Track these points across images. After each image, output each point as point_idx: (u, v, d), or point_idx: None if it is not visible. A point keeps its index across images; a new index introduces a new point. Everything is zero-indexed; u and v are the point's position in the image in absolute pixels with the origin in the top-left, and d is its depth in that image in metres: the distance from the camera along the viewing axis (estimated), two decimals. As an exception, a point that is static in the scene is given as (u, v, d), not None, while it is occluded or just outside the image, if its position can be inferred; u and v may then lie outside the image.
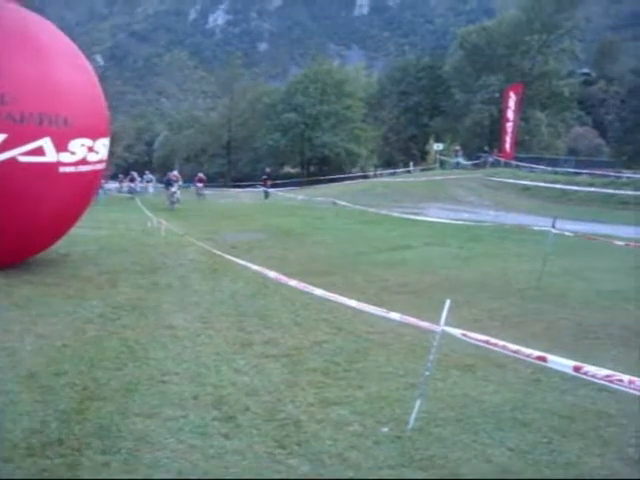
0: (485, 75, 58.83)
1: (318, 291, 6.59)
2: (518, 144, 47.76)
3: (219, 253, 11.93)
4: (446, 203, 27.85)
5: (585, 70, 75.32)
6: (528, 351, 3.88)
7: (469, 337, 4.28)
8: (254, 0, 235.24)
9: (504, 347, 4.02)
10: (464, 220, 19.81)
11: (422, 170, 47.90)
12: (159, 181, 46.31)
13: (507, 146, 38.60)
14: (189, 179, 44.02)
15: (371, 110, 70.19)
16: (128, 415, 4.91)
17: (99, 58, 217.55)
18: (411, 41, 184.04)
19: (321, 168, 64.28)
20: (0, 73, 10.11)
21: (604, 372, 3.53)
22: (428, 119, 67.79)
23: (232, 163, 71.34)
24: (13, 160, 10.21)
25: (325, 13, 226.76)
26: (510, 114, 38.48)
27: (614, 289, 10.02)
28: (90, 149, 11.49)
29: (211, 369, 6.01)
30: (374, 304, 9.18)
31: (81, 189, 11.77)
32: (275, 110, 64.86)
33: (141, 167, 63.55)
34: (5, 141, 10.08)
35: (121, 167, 74.51)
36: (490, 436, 4.58)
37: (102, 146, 12.00)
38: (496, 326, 7.83)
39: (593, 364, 6.15)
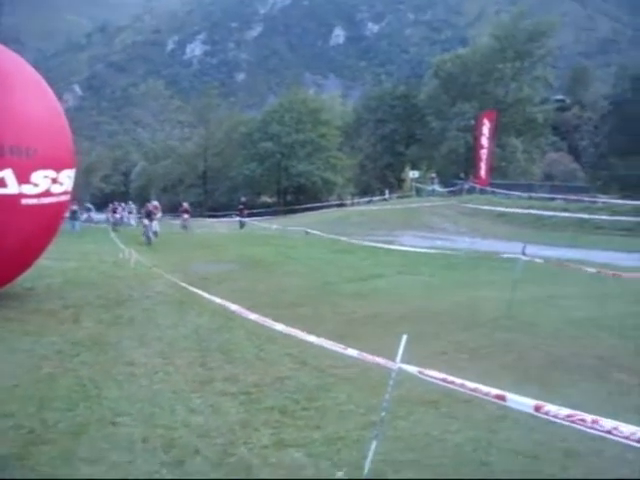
0: (460, 103, 59.40)
1: (279, 326, 6.39)
2: (494, 170, 48.07)
3: (185, 285, 11.66)
4: (421, 230, 27.82)
5: (559, 96, 76.15)
6: (486, 389, 3.69)
7: (426, 375, 4.08)
8: (231, 30, 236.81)
9: (462, 385, 3.83)
10: (437, 248, 19.72)
11: (398, 197, 47.98)
12: (138, 212, 45.06)
13: (482, 172, 38.82)
14: (168, 210, 43.93)
15: (347, 139, 70.48)
16: (72, 461, 4.66)
17: (77, 88, 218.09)
18: (387, 70, 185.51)
19: (297, 197, 64.21)
20: (-41, 104, 9.94)
21: (565, 411, 3.33)
22: (404, 147, 68.20)
23: (208, 193, 71.22)
24: (-27, 192, 10.00)
25: (302, 43, 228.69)
26: (484, 141, 38.76)
27: (585, 317, 9.88)
28: (54, 180, 11.27)
29: (165, 409, 5.77)
30: (340, 336, 9.05)
31: (45, 221, 11.51)
32: (251, 139, 64.84)
33: (118, 197, 63.25)
34: (-36, 173, 9.88)
35: (97, 197, 74.20)
36: (450, 480, 4.39)
37: (67, 177, 11.78)
38: (464, 358, 7.65)
39: (562, 397, 6.02)
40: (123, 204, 46.91)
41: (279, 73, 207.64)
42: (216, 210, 59.86)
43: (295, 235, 25.29)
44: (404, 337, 4.30)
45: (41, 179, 10.95)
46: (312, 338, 5.63)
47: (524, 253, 10.57)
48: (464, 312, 10.56)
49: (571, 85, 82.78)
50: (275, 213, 53.80)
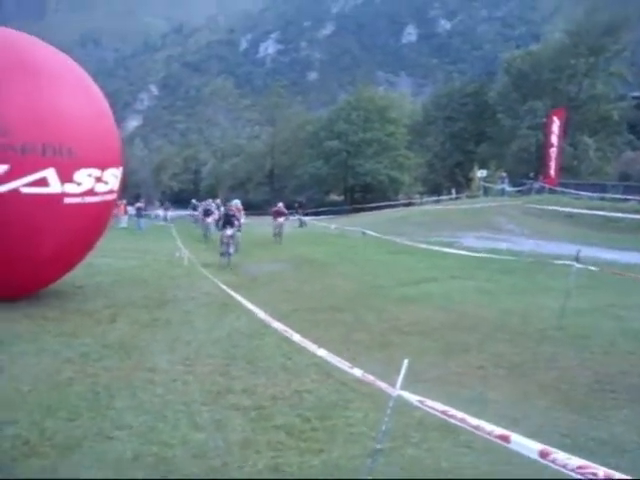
0: (531, 100, 57.73)
1: (296, 336, 6.03)
2: (565, 170, 46.53)
3: (225, 288, 11.37)
4: (485, 231, 26.96)
5: (637, 93, 73.32)
6: (489, 427, 3.20)
7: (426, 405, 3.62)
8: (304, 30, 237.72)
9: (463, 420, 3.36)
10: (497, 250, 19.04)
11: (467, 197, 46.97)
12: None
13: (551, 172, 37.54)
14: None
15: (416, 137, 69.59)
16: (50, 480, 4.40)
17: (153, 88, 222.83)
18: (459, 68, 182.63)
19: (365, 196, 63.62)
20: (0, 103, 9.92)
21: (576, 462, 2.81)
22: (474, 145, 66.72)
23: (277, 191, 71.42)
24: (16, 191, 9.95)
25: (374, 41, 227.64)
26: (554, 139, 37.47)
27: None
28: (98, 179, 11.17)
29: (169, 423, 5.46)
30: (376, 346, 8.68)
31: (89, 220, 11.40)
32: (317, 138, 64.73)
33: (189, 196, 64.03)
34: (7, 172, 9.83)
35: (167, 195, 75.34)
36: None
37: (112, 176, 11.67)
38: (501, 375, 7.12)
39: (600, 424, 5.47)
40: (212, 201, 37.46)
41: (351, 72, 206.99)
42: (287, 208, 59.87)
43: (354, 235, 24.85)
44: (405, 362, 3.85)
45: (84, 178, 10.85)
46: (322, 352, 5.22)
47: (577, 259, 9.89)
48: (513, 321, 9.97)
49: (651, 82, 79.67)
50: (340, 212, 53.46)
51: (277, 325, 6.72)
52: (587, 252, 19.89)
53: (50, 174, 10.29)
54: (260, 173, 72.12)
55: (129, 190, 74.04)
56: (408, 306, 11.65)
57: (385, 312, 11.06)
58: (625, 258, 18.34)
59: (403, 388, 3.89)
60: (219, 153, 75.39)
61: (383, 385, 4.04)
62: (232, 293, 9.89)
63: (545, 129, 42.87)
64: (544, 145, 44.10)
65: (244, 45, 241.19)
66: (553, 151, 37.61)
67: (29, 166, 10.02)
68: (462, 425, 3.32)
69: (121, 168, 12.25)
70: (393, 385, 3.99)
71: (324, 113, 76.18)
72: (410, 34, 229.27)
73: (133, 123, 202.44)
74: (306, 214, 37.05)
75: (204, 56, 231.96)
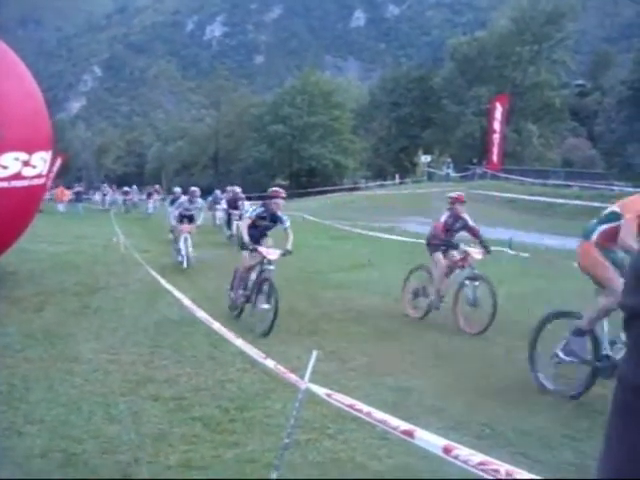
0: (476, 86, 58.48)
1: (216, 325, 5.92)
2: (509, 156, 47.23)
3: (154, 274, 11.15)
4: (427, 217, 27.13)
5: (580, 81, 74.78)
6: (395, 422, 3.13)
7: (333, 399, 3.53)
8: (251, 12, 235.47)
9: (369, 414, 3.28)
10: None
11: (413, 182, 47.30)
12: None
13: (494, 158, 38.01)
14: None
15: (362, 121, 69.77)
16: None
17: (97, 69, 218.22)
18: (407, 53, 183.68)
19: (310, 180, 63.67)
20: None
21: (478, 458, 2.76)
22: (419, 130, 67.28)
23: (222, 175, 70.87)
24: None
25: (322, 25, 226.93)
26: (496, 125, 37.89)
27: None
28: (26, 163, 10.81)
29: (83, 416, 5.27)
30: (308, 332, 8.61)
31: (16, 205, 11.04)
32: (262, 121, 64.51)
33: (133, 180, 63.06)
34: None
35: (110, 179, 74.04)
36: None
37: (40, 160, 11.30)
38: (431, 364, 7.13)
39: (524, 416, 5.48)
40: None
41: (298, 55, 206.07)
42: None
43: (295, 220, 24.69)
44: (314, 353, 3.74)
45: (11, 161, 10.51)
46: (239, 342, 5.12)
47: (510, 246, 9.99)
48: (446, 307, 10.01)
49: (593, 70, 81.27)
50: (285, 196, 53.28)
51: (201, 314, 6.59)
52: (526, 238, 20.27)
53: (-27, 157, 9.95)
54: (205, 156, 71.44)
55: (71, 173, 72.76)
56: (344, 292, 11.66)
57: (319, 298, 11.04)
58: (563, 243, 18.63)
59: (316, 379, 3.78)
60: (163, 136, 74.37)
61: (292, 378, 3.93)
62: (161, 280, 9.71)
63: (488, 115, 43.37)
64: (487, 131, 44.66)
65: (190, 27, 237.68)
66: (496, 137, 38.03)
67: (-50, 149, 9.68)
68: (368, 419, 3.25)
69: (51, 151, 11.89)
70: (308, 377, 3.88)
71: (270, 97, 75.83)
72: (358, 18, 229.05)
73: (76, 105, 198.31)
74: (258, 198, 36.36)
75: (149, 37, 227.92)
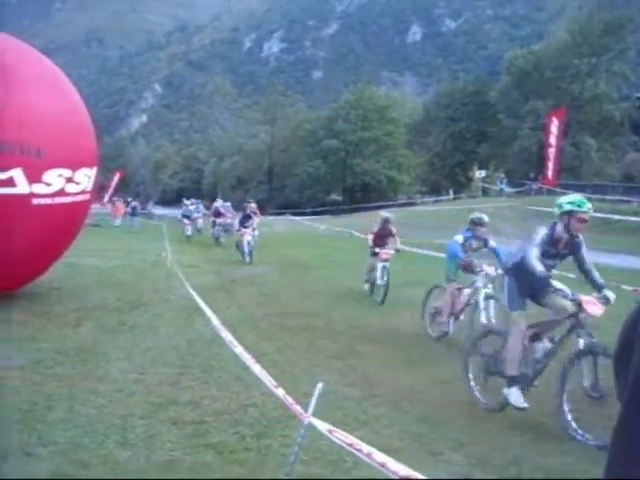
0: (533, 100, 57.42)
1: (238, 348, 5.77)
2: (567, 170, 46.19)
3: (193, 293, 11.07)
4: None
5: (641, 94, 72.86)
6: (395, 467, 2.91)
7: (335, 436, 3.30)
8: (308, 28, 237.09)
9: (369, 455, 3.05)
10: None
11: (468, 197, 46.73)
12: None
13: (549, 173, 37.17)
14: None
15: (417, 136, 69.35)
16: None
17: (157, 86, 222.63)
18: (465, 67, 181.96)
19: (364, 195, 63.45)
20: (-38, 100, 9.70)
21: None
22: (475, 145, 66.36)
23: (276, 190, 71.23)
24: (-19, 192, 9.76)
25: (378, 40, 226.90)
26: (553, 139, 37.05)
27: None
28: (69, 180, 10.92)
29: (97, 439, 5.16)
30: (345, 353, 8.40)
31: (60, 221, 11.13)
32: (316, 136, 64.67)
33: (190, 195, 63.88)
34: (-28, 172, 9.64)
35: (167, 194, 75.21)
36: None
37: (84, 176, 11.41)
38: (464, 390, 6.83)
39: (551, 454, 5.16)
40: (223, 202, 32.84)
41: (355, 71, 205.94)
42: (287, 207, 59.58)
43: (343, 236, 24.56)
44: (319, 385, 3.54)
45: (54, 178, 10.62)
46: (257, 368, 4.94)
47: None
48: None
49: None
50: (337, 212, 53.20)
51: (225, 335, 6.45)
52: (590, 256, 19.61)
53: (17, 174, 10.07)
54: (259, 172, 71.98)
55: (130, 188, 74.21)
56: (382, 311, 11.40)
57: (357, 319, 10.79)
58: (617, 262, 18.03)
59: (343, 404, 3.58)
60: (219, 152, 75.26)
61: (297, 410, 3.73)
62: (197, 298, 9.61)
63: (545, 129, 42.52)
64: (544, 145, 43.79)
65: (248, 44, 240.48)
66: (551, 151, 37.19)
67: (-5, 166, 9.82)
68: (368, 460, 3.02)
69: (95, 168, 11.98)
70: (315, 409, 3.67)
71: (326, 112, 76.10)
72: (415, 33, 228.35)
73: (137, 121, 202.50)
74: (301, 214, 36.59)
75: (208, 54, 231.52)
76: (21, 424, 5.49)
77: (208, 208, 35.53)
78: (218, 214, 28.26)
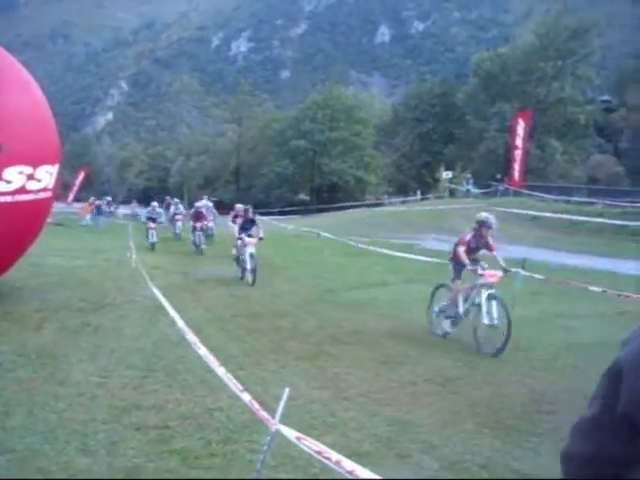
0: (499, 102, 57.88)
1: (202, 350, 5.61)
2: (532, 172, 46.58)
3: (156, 292, 10.86)
4: (446, 234, 26.69)
5: (606, 97, 73.80)
6: (365, 474, 2.79)
7: (304, 443, 3.17)
8: (277, 28, 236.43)
9: (338, 463, 2.93)
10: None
11: (435, 198, 46.91)
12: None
13: (515, 174, 37.42)
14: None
15: (385, 137, 69.55)
16: None
17: (123, 84, 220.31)
18: (432, 69, 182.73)
19: (332, 195, 63.42)
20: None
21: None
22: (442, 146, 66.73)
23: (243, 190, 70.87)
24: (-63, 189, 9.48)
25: (347, 41, 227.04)
26: (518, 141, 37.29)
27: (590, 341, 8.83)
28: (30, 177, 10.65)
29: (57, 446, 4.96)
30: (311, 355, 8.27)
31: (21, 220, 10.85)
32: (284, 136, 64.53)
33: (156, 194, 63.24)
34: None
35: (134, 193, 74.38)
36: None
37: (46, 173, 11.14)
38: (433, 392, 6.74)
39: (527, 454, 5.08)
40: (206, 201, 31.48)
41: (324, 71, 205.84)
42: (255, 207, 59.08)
43: (311, 236, 24.43)
44: (286, 391, 3.42)
45: (15, 175, 10.35)
46: (221, 371, 4.80)
47: (523, 267, 9.58)
48: (456, 331, 9.63)
49: (619, 86, 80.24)
50: (305, 212, 53.07)
51: (190, 337, 6.28)
52: (546, 256, 19.79)
53: (-25, 171, 9.80)
54: (227, 171, 71.61)
55: (95, 187, 73.22)
56: (353, 312, 11.30)
57: (327, 319, 10.68)
58: (583, 262, 18.19)
59: (312, 408, 3.45)
60: (185, 150, 74.69)
61: (264, 416, 3.60)
62: (162, 299, 9.39)
63: (511, 131, 42.81)
64: (510, 147, 44.10)
65: (216, 42, 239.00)
66: (518, 153, 37.44)
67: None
68: (337, 468, 2.90)
69: (57, 165, 11.71)
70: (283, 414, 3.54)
71: (294, 112, 75.96)
72: (384, 34, 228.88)
73: (103, 119, 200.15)
74: (267, 214, 36.31)
75: (175, 52, 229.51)
76: (-22, 430, 5.29)
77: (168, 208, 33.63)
78: (198, 217, 24.47)
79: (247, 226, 16.43)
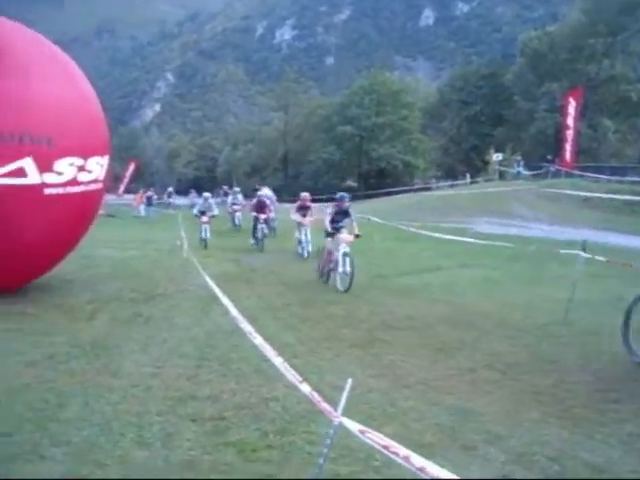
0: (548, 82, 56.59)
1: (259, 339, 5.46)
2: (584, 152, 45.45)
3: (212, 283, 10.77)
4: (497, 217, 26.23)
5: (659, 74, 71.68)
6: (436, 470, 2.58)
7: (368, 437, 2.97)
8: (320, 15, 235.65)
9: (407, 459, 2.73)
10: (509, 237, 18.33)
11: (485, 181, 46.21)
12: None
13: (567, 155, 36.46)
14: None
15: (432, 120, 68.77)
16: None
17: (169, 76, 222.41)
18: (478, 50, 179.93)
19: (379, 181, 62.95)
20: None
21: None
22: (490, 128, 65.61)
23: (291, 177, 70.92)
24: (-9, 182, 9.52)
25: (391, 25, 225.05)
26: (570, 121, 36.28)
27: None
28: (81, 168, 10.65)
29: (113, 438, 4.87)
30: (365, 342, 8.08)
31: (72, 211, 10.87)
32: (330, 123, 64.30)
33: (204, 183, 63.79)
34: (-19, 163, 9.42)
35: (182, 183, 75.06)
36: None
37: (96, 165, 11.14)
38: (492, 379, 6.49)
39: (598, 446, 4.81)
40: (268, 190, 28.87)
41: (368, 56, 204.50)
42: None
43: (360, 222, 24.12)
44: (349, 381, 3.23)
45: (66, 167, 10.36)
46: (279, 360, 4.64)
47: (584, 249, 9.20)
48: (515, 315, 9.35)
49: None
50: (353, 198, 52.86)
51: (245, 326, 6.15)
52: (602, 238, 19.24)
53: (27, 164, 9.82)
54: (274, 159, 71.78)
55: (145, 178, 74.30)
56: (405, 298, 11.08)
57: (380, 305, 10.49)
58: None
59: (370, 397, 3.27)
60: (232, 139, 75.12)
61: (325, 408, 3.43)
62: (215, 289, 9.28)
63: (562, 111, 41.73)
64: (561, 127, 43.02)
65: (260, 31, 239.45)
66: (569, 133, 36.42)
67: (4, 156, 9.56)
68: (406, 464, 2.70)
69: (107, 156, 11.71)
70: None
71: (339, 98, 75.48)
72: (428, 17, 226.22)
73: (151, 112, 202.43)
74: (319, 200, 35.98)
75: (220, 43, 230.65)
76: (32, 423, 5.24)
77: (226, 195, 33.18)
78: (262, 207, 21.84)
79: (339, 218, 13.51)
